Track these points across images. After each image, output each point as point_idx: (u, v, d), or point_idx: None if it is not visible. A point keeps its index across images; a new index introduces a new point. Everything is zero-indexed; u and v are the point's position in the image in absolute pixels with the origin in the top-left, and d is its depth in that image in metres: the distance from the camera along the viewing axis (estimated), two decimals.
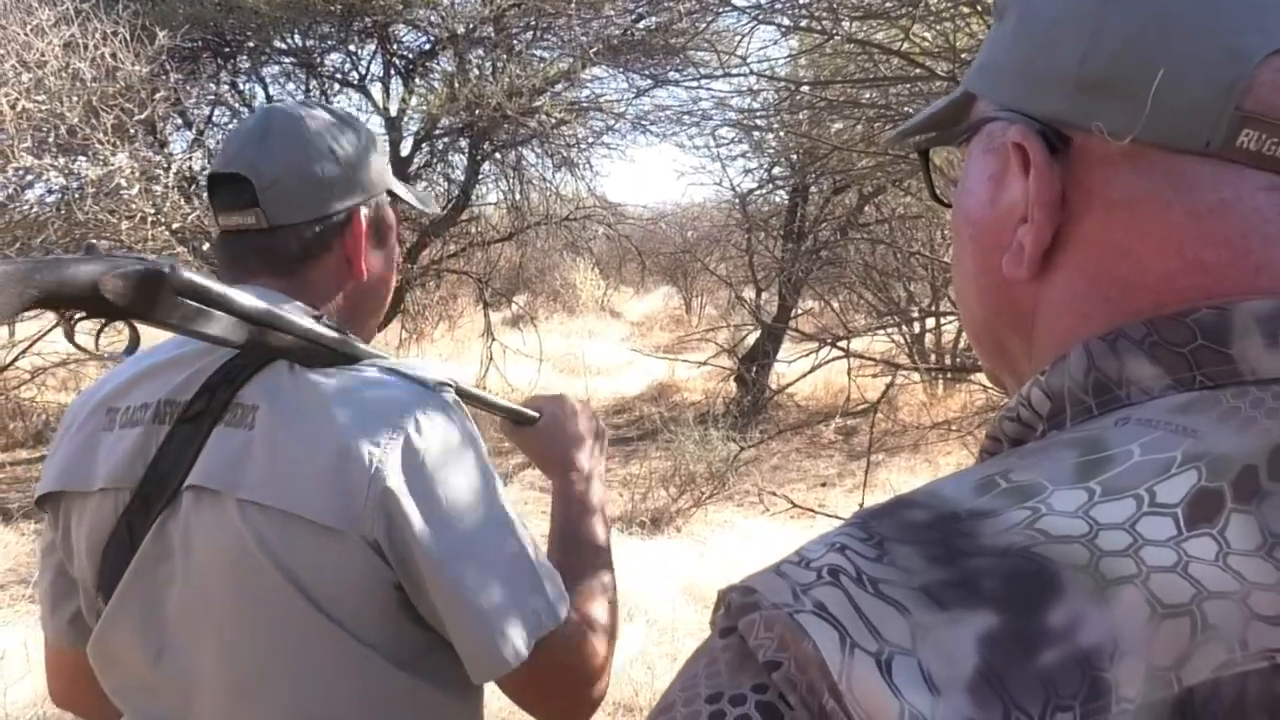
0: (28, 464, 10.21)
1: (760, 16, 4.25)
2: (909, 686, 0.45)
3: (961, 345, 12.27)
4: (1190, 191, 0.60)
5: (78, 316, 1.18)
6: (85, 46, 7.20)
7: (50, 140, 7.22)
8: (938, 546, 0.50)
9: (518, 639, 1.25)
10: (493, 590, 1.25)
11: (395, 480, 1.23)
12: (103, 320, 1.19)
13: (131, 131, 7.56)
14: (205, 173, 9.24)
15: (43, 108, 6.99)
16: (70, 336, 1.20)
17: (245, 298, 1.27)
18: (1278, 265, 0.59)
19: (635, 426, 11.76)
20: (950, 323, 12.09)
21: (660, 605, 5.63)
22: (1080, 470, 0.53)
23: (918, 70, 3.92)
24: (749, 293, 12.58)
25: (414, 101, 10.29)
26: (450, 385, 1.36)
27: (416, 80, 10.36)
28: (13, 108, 6.76)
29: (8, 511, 8.06)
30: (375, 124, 10.03)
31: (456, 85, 9.59)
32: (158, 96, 7.86)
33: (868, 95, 4.79)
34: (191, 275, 1.23)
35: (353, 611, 1.25)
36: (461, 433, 1.32)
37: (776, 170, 11.33)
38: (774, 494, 4.85)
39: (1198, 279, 0.60)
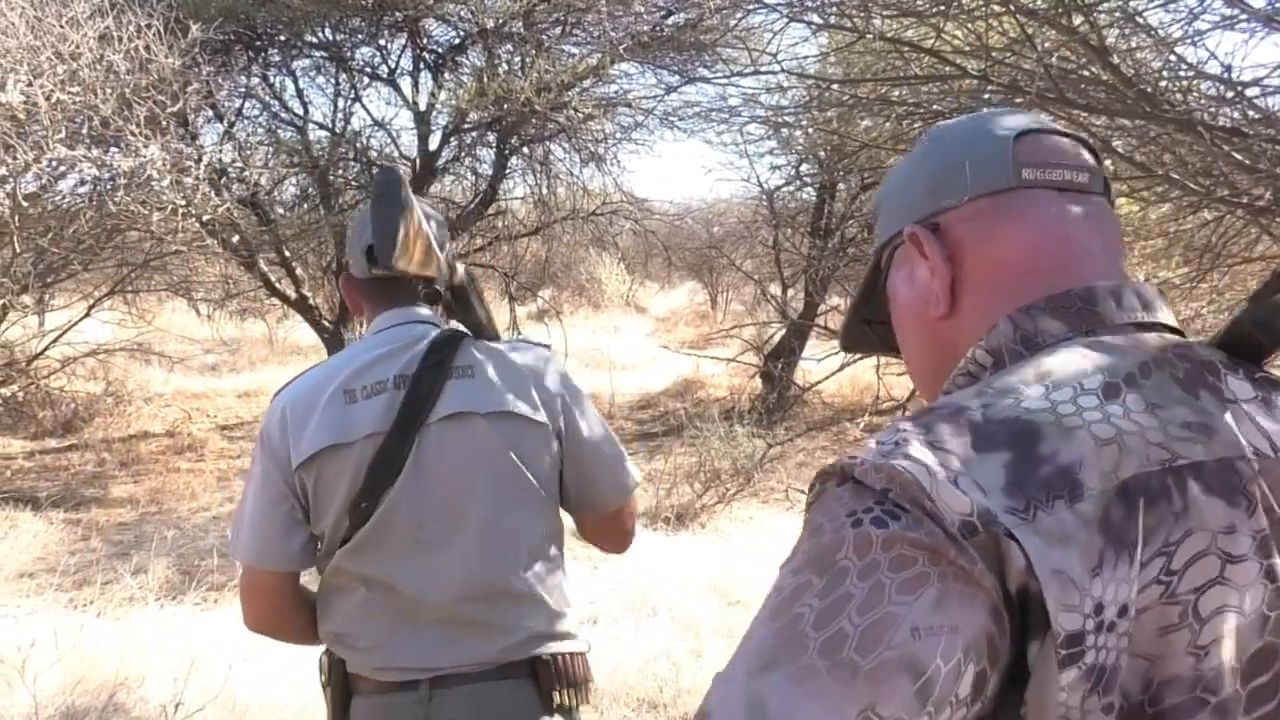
0: (56, 453, 10.28)
1: (792, 14, 4.24)
2: (971, 490, 0.82)
3: None
4: (1008, 209, 1.05)
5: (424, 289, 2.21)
6: (119, 39, 7.23)
7: (84, 132, 7.26)
8: (962, 423, 0.88)
9: (621, 490, 2.28)
10: (612, 462, 2.26)
11: (563, 394, 2.19)
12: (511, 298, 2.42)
13: (164, 123, 7.59)
14: (234, 164, 9.29)
15: (77, 99, 7.03)
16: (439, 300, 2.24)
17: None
18: (1075, 238, 1.04)
19: (660, 422, 11.77)
20: None
21: (684, 601, 5.63)
22: (1036, 378, 0.92)
23: (949, 69, 3.91)
24: (775, 289, 12.57)
25: (443, 96, 10.31)
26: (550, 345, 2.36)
27: (446, 75, 10.38)
28: (47, 99, 6.80)
29: (36, 500, 8.12)
30: (404, 118, 10.04)
31: (485, 80, 9.60)
32: (190, 89, 7.89)
33: (898, 93, 4.77)
34: (477, 282, 2.23)
35: (544, 475, 2.14)
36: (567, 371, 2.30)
37: (804, 167, 11.30)
38: (800, 491, 4.84)
39: (1042, 258, 1.03)
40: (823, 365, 10.13)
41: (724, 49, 8.95)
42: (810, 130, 8.09)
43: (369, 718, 2.10)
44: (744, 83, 5.05)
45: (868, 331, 1.28)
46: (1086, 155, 1.08)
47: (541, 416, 2.12)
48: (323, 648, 2.19)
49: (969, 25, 3.90)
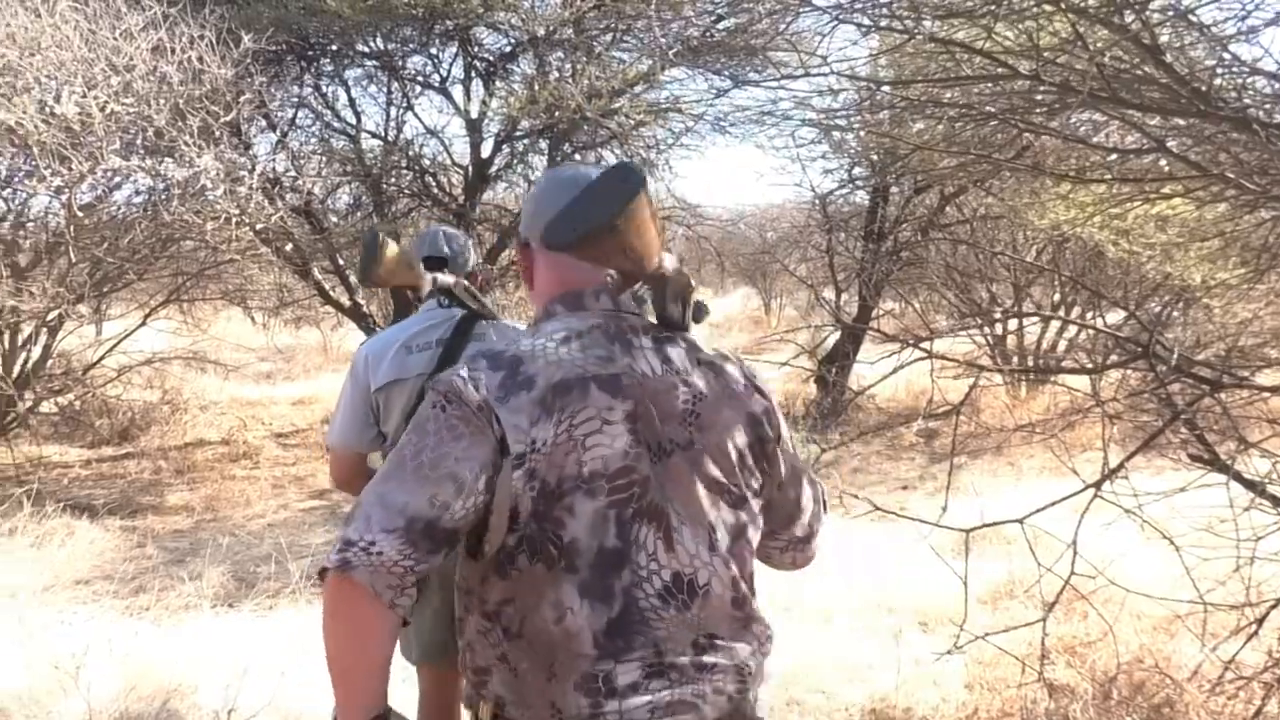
0: (113, 461, 10.39)
1: (841, 16, 4.20)
2: (482, 389, 1.71)
3: (1045, 346, 12.05)
4: (547, 257, 1.92)
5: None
6: (172, 50, 7.30)
7: (138, 142, 7.34)
8: (491, 358, 1.76)
9: None
10: None
11: None
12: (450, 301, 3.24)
13: (217, 134, 7.66)
14: (288, 173, 9.34)
15: (131, 110, 7.11)
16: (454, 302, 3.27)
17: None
18: (585, 275, 1.86)
19: None
20: (1033, 324, 11.87)
21: None
22: (535, 335, 1.84)
23: (1000, 69, 3.86)
24: (829, 293, 12.49)
25: (494, 104, 10.33)
26: None
27: (497, 82, 10.39)
28: (102, 110, 6.88)
29: (93, 508, 8.20)
30: (456, 126, 10.03)
31: (536, 87, 9.61)
32: (242, 99, 7.96)
33: (949, 94, 4.72)
34: (473, 289, 3.27)
35: None
36: None
37: (857, 171, 11.23)
38: (855, 496, 4.78)
39: (557, 283, 1.91)
40: (877, 369, 10.04)
41: (774, 52, 8.90)
42: (862, 133, 8.03)
43: None
44: (794, 86, 5.00)
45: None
46: None
47: None
48: None
49: (1019, 25, 3.85)
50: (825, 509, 2.15)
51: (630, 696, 1.69)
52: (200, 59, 7.47)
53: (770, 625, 1.89)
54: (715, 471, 1.81)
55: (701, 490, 1.79)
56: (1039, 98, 3.91)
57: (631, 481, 1.73)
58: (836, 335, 11.86)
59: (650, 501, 1.74)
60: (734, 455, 1.84)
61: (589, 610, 1.69)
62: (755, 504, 1.88)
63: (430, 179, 11.00)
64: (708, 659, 1.77)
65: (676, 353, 1.86)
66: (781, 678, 4.75)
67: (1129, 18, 3.26)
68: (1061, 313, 11.14)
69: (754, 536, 1.89)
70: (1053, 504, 3.63)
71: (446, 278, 3.24)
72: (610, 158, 11.49)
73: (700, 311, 1.93)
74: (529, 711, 1.71)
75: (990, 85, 4.26)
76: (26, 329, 9.08)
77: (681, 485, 1.77)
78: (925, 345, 4.33)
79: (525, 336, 1.84)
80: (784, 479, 1.98)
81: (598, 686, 1.69)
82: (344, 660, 1.66)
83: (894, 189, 11.62)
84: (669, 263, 1.87)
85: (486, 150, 10.59)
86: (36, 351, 9.32)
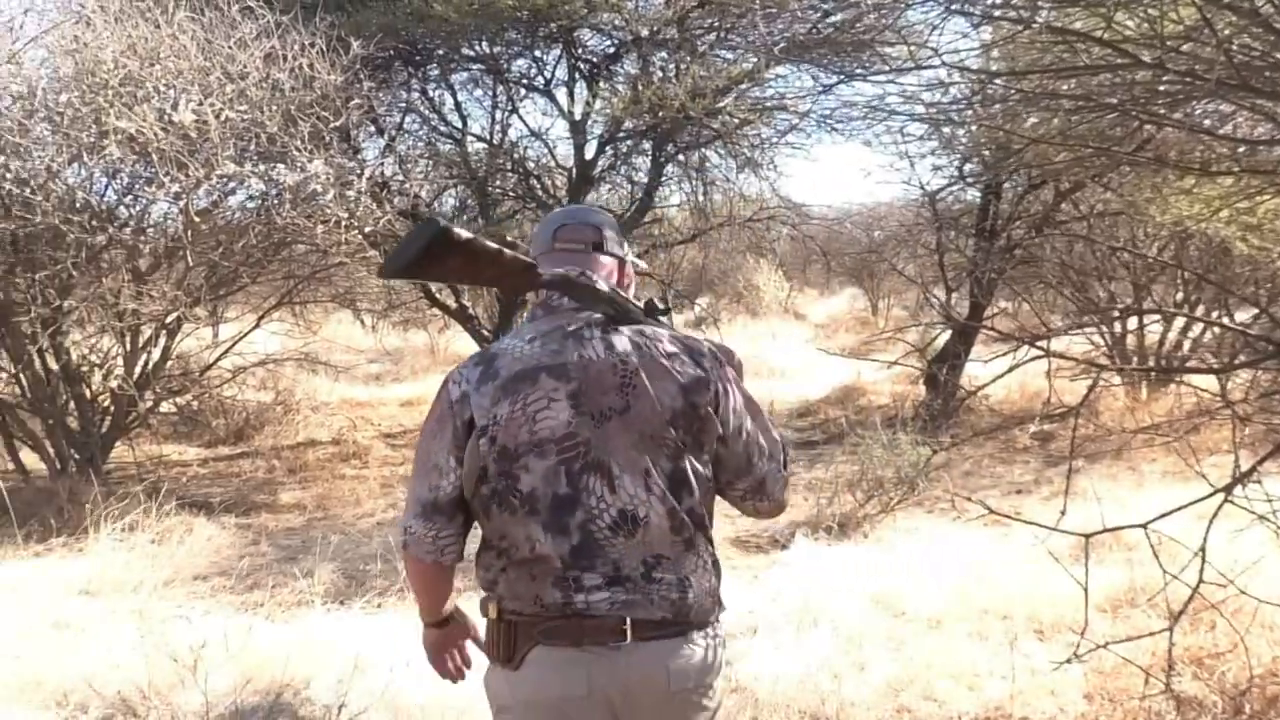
0: (229, 460, 10.59)
1: (952, 6, 4.10)
2: (464, 384, 2.29)
3: (1167, 346, 11.73)
4: (546, 258, 2.44)
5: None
6: (284, 58, 7.42)
7: (251, 148, 7.46)
8: (477, 356, 2.38)
9: None
10: None
11: None
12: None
13: (327, 139, 7.76)
14: (395, 177, 9.42)
15: (244, 117, 7.23)
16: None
17: None
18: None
19: (820, 430, 11.61)
20: (1155, 323, 11.55)
21: (846, 613, 5.50)
22: (516, 335, 2.38)
23: (1121, 59, 3.73)
24: (939, 292, 12.30)
25: (598, 105, 10.34)
26: None
27: (600, 84, 10.40)
28: (217, 117, 7.00)
29: (210, 506, 8.35)
30: (560, 128, 10.03)
31: (640, 88, 9.59)
32: (352, 104, 8.06)
33: (1066, 86, 4.59)
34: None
35: None
36: None
37: (968, 167, 11.01)
38: (968, 500, 4.66)
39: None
40: (990, 369, 9.84)
41: (882, 47, 8.77)
42: (973, 128, 7.88)
43: None
44: (903, 80, 4.91)
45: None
46: (589, 234, 2.45)
47: None
48: None
49: (1141, 13, 3.72)
50: (785, 467, 2.53)
51: (595, 593, 2.25)
52: (311, 66, 7.58)
53: (713, 553, 2.41)
54: (649, 429, 2.29)
55: (637, 444, 2.28)
56: (1162, 88, 3.78)
57: (576, 444, 2.25)
58: (947, 335, 11.67)
59: (594, 457, 2.26)
60: (667, 415, 2.30)
61: (552, 541, 2.24)
62: (694, 455, 2.34)
63: (535, 181, 11.06)
64: (655, 574, 2.29)
65: (620, 339, 2.33)
66: (889, 684, 4.67)
67: (1260, 1, 3.14)
68: (1185, 310, 10.85)
69: (694, 481, 2.33)
70: (1179, 508, 3.50)
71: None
72: (714, 157, 11.46)
73: (653, 309, 2.47)
74: (520, 603, 2.28)
75: (1110, 76, 4.13)
76: (147, 331, 9.26)
77: (618, 442, 2.27)
78: (1042, 344, 4.20)
79: (508, 337, 2.38)
80: (729, 437, 2.39)
81: (569, 584, 2.25)
82: (417, 591, 2.56)
83: (1007, 185, 11.39)
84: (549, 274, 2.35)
85: (590, 152, 10.62)
86: (156, 353, 9.51)
